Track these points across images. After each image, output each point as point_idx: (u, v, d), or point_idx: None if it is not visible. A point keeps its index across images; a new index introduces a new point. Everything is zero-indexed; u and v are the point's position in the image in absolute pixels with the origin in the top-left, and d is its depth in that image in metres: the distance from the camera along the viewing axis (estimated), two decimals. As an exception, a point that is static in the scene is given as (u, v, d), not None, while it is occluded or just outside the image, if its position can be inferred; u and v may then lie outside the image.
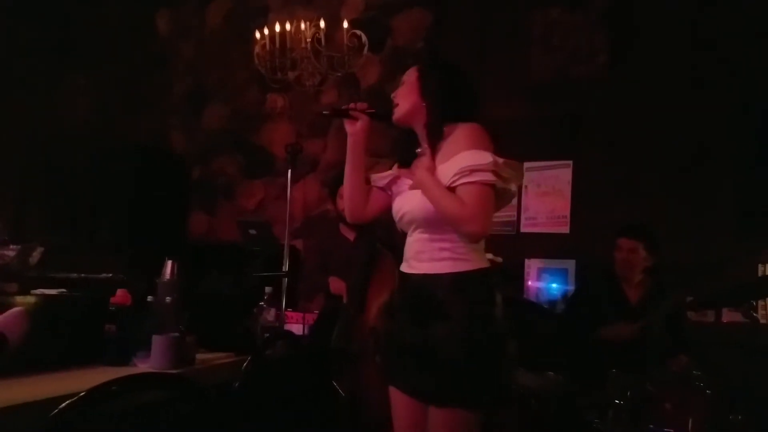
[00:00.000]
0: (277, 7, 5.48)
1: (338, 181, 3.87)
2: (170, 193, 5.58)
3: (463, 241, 1.91)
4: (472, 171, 1.85)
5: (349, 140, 2.16)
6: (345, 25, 4.19)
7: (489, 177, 1.85)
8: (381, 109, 2.12)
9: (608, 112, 4.21)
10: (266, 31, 4.30)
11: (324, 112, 2.21)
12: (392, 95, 2.09)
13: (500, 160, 1.87)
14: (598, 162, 4.21)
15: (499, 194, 1.93)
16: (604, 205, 4.11)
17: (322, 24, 4.18)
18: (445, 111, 1.99)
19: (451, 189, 1.87)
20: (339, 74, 4.42)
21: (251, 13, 5.53)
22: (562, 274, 4.31)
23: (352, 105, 2.12)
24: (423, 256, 1.96)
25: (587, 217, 4.21)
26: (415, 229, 2.00)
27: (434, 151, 1.99)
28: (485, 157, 1.86)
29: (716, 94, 3.89)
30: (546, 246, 4.34)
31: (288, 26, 4.27)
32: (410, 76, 2.08)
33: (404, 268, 2.05)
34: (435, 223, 1.92)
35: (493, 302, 1.93)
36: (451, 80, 2.05)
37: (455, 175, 1.87)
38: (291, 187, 3.36)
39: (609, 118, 4.21)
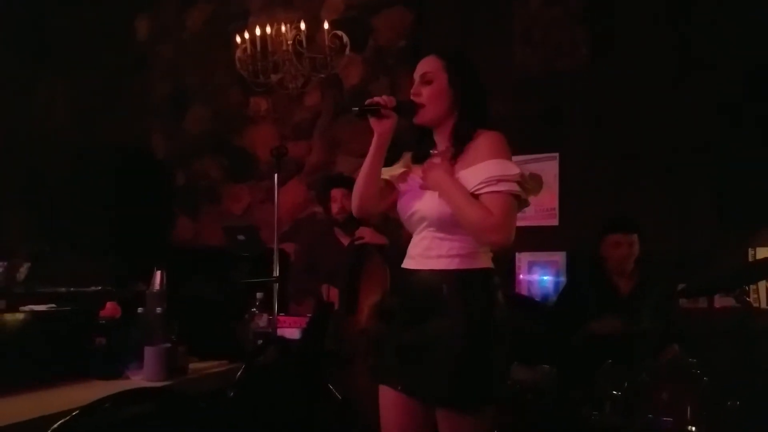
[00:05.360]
0: (257, 10, 5.45)
1: (327, 183, 3.87)
2: (153, 197, 5.52)
3: (472, 240, 1.90)
4: (499, 180, 1.84)
5: (377, 139, 2.00)
6: (326, 26, 4.16)
7: (515, 188, 1.86)
8: (407, 105, 2.00)
9: (592, 104, 4.21)
10: (247, 35, 4.26)
11: (353, 109, 1.99)
12: (413, 94, 2.00)
13: (526, 173, 1.89)
14: (584, 154, 4.21)
15: (518, 205, 1.93)
16: (591, 196, 4.12)
17: (302, 26, 4.15)
18: (477, 117, 1.98)
19: (474, 196, 1.86)
20: (322, 75, 4.39)
21: (231, 17, 5.50)
22: (552, 266, 4.31)
23: (381, 102, 1.96)
24: (432, 253, 1.95)
25: (575, 208, 4.22)
26: (425, 228, 1.98)
27: (456, 155, 1.96)
28: (512, 168, 1.86)
29: (698, 82, 3.91)
30: (536, 239, 4.34)
31: (269, 29, 4.24)
32: (436, 76, 1.99)
33: (409, 264, 2.02)
34: (449, 225, 1.91)
35: (494, 301, 1.92)
36: (479, 82, 2.03)
37: (481, 183, 1.85)
38: (277, 190, 3.33)
39: (592, 110, 4.21)
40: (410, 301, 1.97)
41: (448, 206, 1.88)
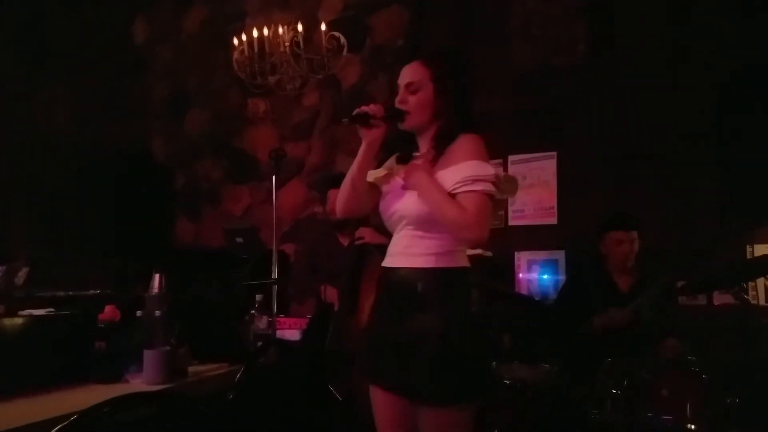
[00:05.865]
0: (254, 11, 5.45)
1: (328, 183, 3.87)
2: (154, 200, 5.53)
3: (450, 240, 1.96)
4: (475, 180, 1.90)
5: (366, 147, 2.06)
6: (323, 27, 4.17)
7: (490, 187, 1.91)
8: (395, 113, 2.03)
9: (590, 101, 4.21)
10: (244, 37, 4.27)
11: (343, 120, 2.03)
12: (399, 101, 2.04)
13: (501, 174, 1.95)
14: (583, 151, 4.21)
15: (494, 205, 1.98)
16: (590, 194, 4.12)
17: (300, 27, 4.16)
18: (461, 123, 2.01)
19: (451, 195, 1.91)
20: (320, 76, 4.40)
21: (229, 18, 5.50)
22: (552, 265, 4.31)
23: (370, 111, 1.99)
24: (410, 251, 2.00)
25: (574, 206, 4.22)
26: (404, 227, 2.03)
27: (437, 157, 2.00)
28: (488, 169, 1.93)
29: (697, 77, 3.91)
30: (535, 238, 4.34)
31: (266, 31, 4.24)
32: (423, 85, 2.02)
33: (389, 262, 2.06)
34: (427, 223, 1.96)
35: (469, 300, 1.98)
36: (465, 87, 2.06)
37: (458, 182, 1.91)
38: (277, 191, 3.34)
39: (591, 107, 4.21)
40: (391, 299, 2.02)
41: (427, 205, 1.94)
